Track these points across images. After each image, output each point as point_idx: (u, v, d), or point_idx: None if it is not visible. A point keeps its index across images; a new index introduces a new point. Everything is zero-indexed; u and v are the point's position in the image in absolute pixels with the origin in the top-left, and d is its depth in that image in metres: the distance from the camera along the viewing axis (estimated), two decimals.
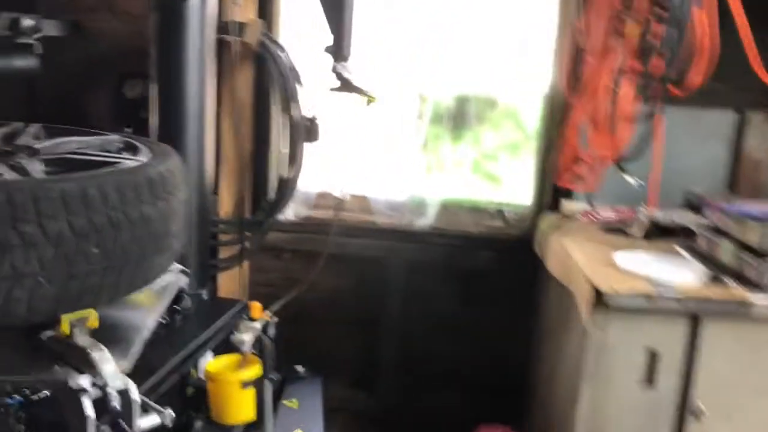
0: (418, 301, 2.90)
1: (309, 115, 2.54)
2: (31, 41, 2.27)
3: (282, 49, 2.51)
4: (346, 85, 2.08)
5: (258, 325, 2.18)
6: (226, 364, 1.94)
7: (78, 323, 1.33)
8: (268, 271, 2.93)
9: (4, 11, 2.20)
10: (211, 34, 2.17)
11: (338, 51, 2.04)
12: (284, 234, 2.86)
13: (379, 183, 2.83)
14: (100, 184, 1.28)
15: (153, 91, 2.11)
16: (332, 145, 2.71)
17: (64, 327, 1.32)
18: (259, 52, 2.51)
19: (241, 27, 2.45)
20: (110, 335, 1.44)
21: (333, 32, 2.09)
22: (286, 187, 2.60)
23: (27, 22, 2.24)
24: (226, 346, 2.07)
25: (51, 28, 2.35)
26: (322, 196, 2.87)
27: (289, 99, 2.51)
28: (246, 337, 2.13)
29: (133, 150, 1.62)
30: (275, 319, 2.27)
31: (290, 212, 2.80)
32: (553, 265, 2.28)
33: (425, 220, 2.80)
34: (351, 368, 2.99)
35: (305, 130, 2.54)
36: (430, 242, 2.85)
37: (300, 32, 2.72)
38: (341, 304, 2.94)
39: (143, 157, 1.53)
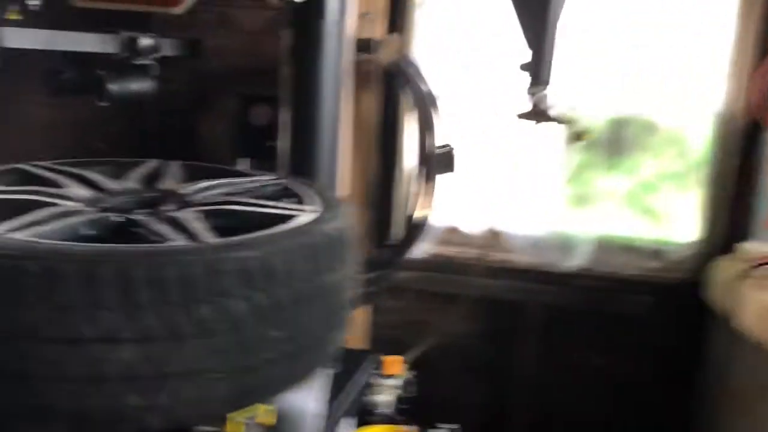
0: (558, 350, 2.57)
1: (444, 144, 2.25)
2: (148, 62, 2.05)
3: (418, 70, 2.22)
4: (540, 114, 1.76)
5: (396, 382, 1.94)
6: None
7: (250, 421, 1.06)
8: (388, 313, 2.63)
9: (122, 29, 1.99)
10: (348, 54, 1.91)
11: (536, 73, 1.72)
12: (407, 272, 2.56)
13: (516, 216, 2.50)
14: (284, 251, 1.01)
15: (284, 117, 1.86)
16: (465, 173, 2.40)
17: (235, 428, 1.05)
18: (392, 72, 2.22)
19: (378, 44, 2.17)
20: None
21: (532, 48, 1.75)
22: (417, 224, 2.30)
23: (145, 41, 2.01)
24: (360, 407, 1.83)
25: (169, 48, 2.12)
26: (452, 231, 2.57)
27: (424, 126, 2.21)
28: (385, 398, 1.90)
29: (293, 197, 1.35)
30: (413, 374, 2.02)
31: (417, 249, 2.50)
32: (751, 324, 1.91)
33: (572, 260, 2.45)
34: (478, 421, 2.66)
35: (440, 161, 2.24)
36: (573, 284, 2.50)
37: (437, 50, 2.44)
38: (469, 350, 2.63)
39: (311, 207, 1.25)
